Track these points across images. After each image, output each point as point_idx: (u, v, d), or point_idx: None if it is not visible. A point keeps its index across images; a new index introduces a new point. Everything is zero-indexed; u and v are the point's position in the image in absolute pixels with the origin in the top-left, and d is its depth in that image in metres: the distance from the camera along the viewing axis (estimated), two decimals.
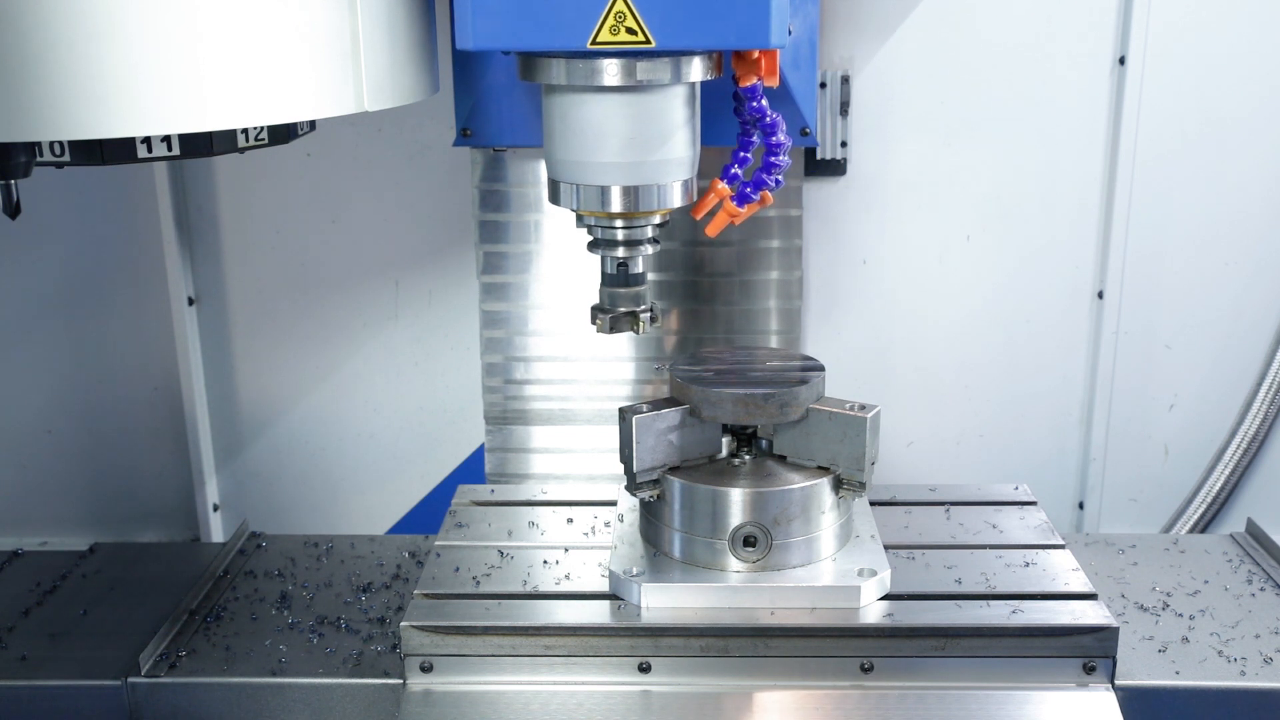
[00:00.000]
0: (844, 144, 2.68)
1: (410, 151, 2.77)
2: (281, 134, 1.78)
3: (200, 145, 1.67)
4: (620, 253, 2.02)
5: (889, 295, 2.81)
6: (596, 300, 2.09)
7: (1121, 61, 2.63)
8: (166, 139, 1.65)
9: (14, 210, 1.61)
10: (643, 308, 2.06)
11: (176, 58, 1.51)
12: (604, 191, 1.92)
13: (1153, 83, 2.64)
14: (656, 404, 1.99)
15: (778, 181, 2.04)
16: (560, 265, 2.56)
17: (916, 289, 2.81)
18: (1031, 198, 2.74)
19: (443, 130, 2.74)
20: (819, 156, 2.67)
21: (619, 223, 1.98)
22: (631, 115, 1.87)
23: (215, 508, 3.00)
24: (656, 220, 1.99)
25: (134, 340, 2.95)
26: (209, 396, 2.94)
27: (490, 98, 2.25)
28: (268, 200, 2.82)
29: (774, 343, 2.60)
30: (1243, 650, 1.99)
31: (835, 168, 2.70)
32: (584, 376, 2.63)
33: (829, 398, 2.01)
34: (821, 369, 2.05)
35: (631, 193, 1.92)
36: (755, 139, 2.04)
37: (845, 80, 2.63)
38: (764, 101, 1.96)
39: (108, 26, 1.45)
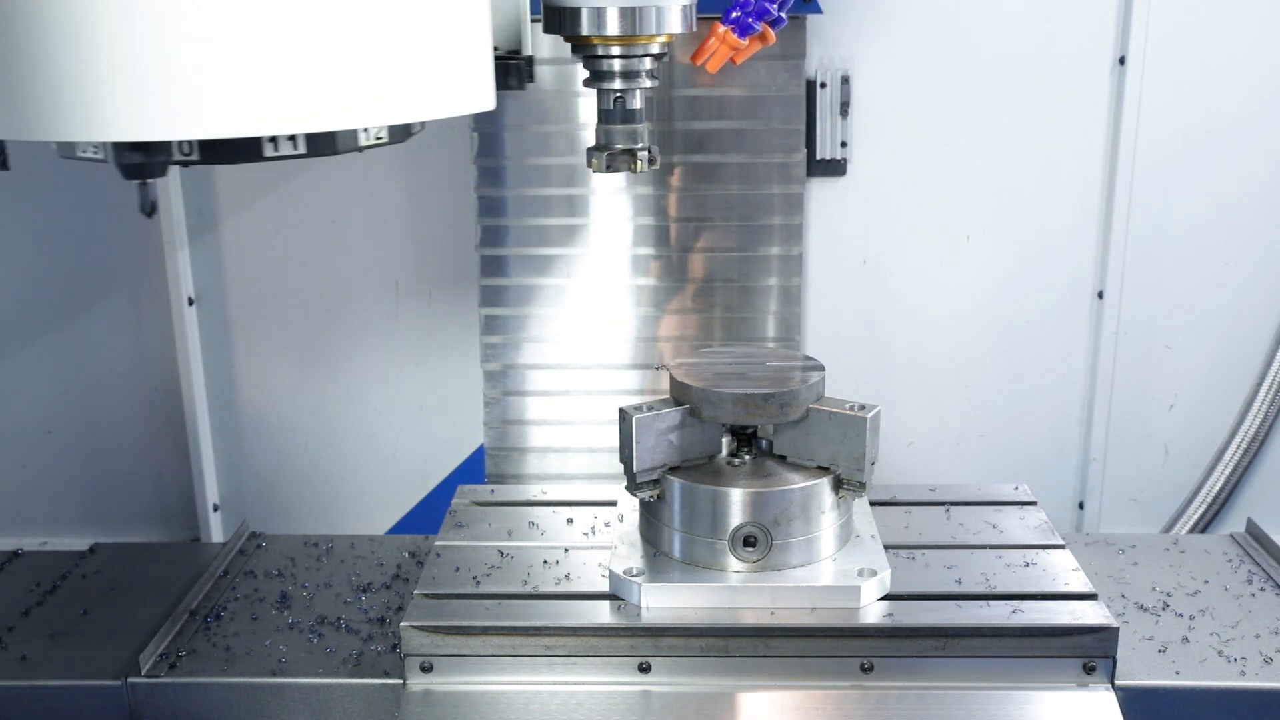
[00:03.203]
0: (844, 144, 2.68)
1: (410, 151, 2.77)
2: (400, 133, 1.78)
3: (324, 144, 1.67)
4: (617, 85, 2.00)
5: (889, 295, 2.81)
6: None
7: (1121, 61, 2.63)
8: (292, 137, 1.65)
9: (151, 209, 1.62)
10: (640, 146, 2.03)
11: (309, 55, 1.50)
12: (601, 13, 1.90)
13: (1153, 83, 2.64)
14: (656, 404, 1.99)
15: (780, 19, 2.03)
16: (560, 265, 2.57)
17: (916, 289, 2.80)
18: (1031, 198, 2.74)
19: (442, 130, 2.74)
20: (819, 156, 2.67)
21: (616, 50, 1.96)
22: None
23: (215, 508, 3.00)
24: (655, 50, 1.95)
25: (134, 340, 2.95)
26: (209, 396, 2.93)
27: None
28: (268, 200, 2.82)
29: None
30: (1243, 650, 1.99)
31: (835, 168, 2.70)
32: (585, 368, 2.64)
33: (829, 398, 2.01)
34: (821, 369, 2.05)
35: (629, 15, 1.90)
36: None
37: (845, 80, 2.63)
38: None
39: (236, 26, 1.45)
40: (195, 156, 1.62)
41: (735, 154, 2.53)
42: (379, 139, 1.72)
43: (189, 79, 1.45)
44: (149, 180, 1.58)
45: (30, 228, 2.87)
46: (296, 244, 2.84)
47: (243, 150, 1.62)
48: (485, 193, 2.56)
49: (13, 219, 2.87)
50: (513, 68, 1.97)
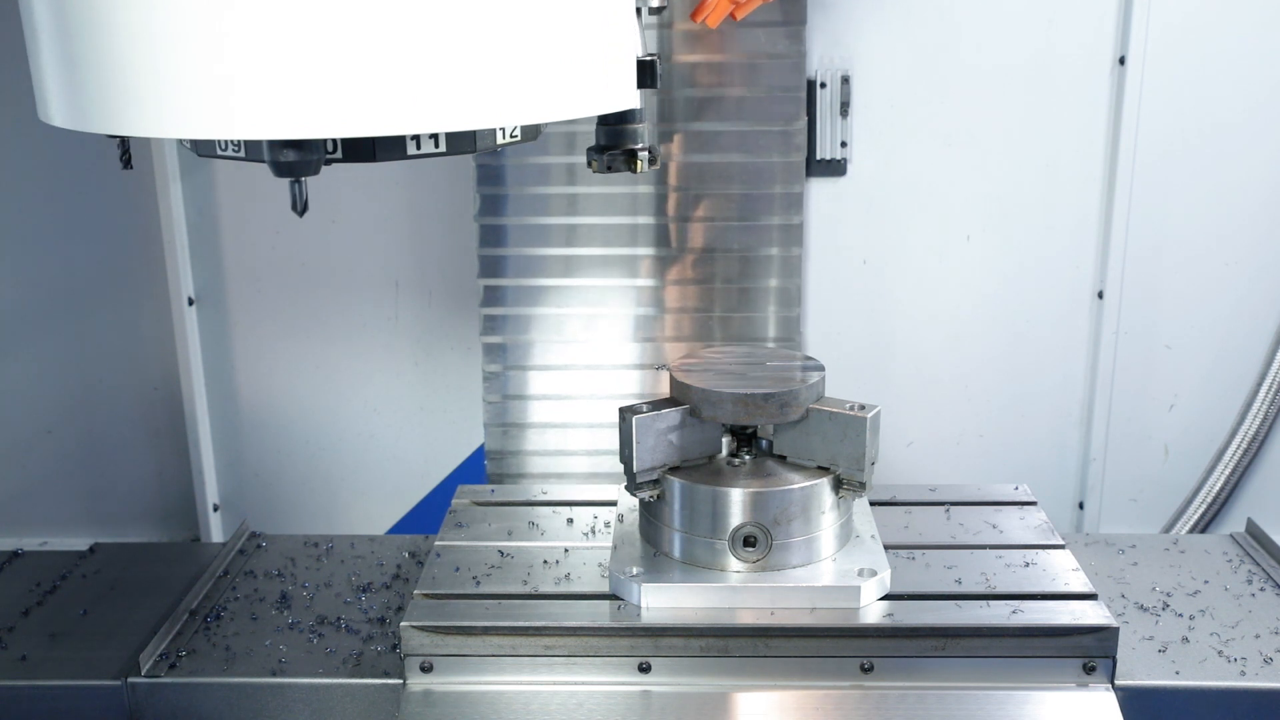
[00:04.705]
0: (844, 144, 2.68)
1: None
2: (531, 131, 1.76)
3: (464, 143, 1.66)
4: None
5: (889, 295, 2.81)
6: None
7: (1121, 61, 2.63)
8: (434, 136, 1.65)
9: (304, 208, 1.61)
10: (640, 146, 1.99)
11: (460, 55, 1.48)
12: None
13: (1153, 83, 2.64)
14: (656, 404, 1.99)
15: None
16: (561, 268, 2.57)
17: (916, 289, 2.80)
18: (1031, 198, 2.74)
19: None
20: (819, 156, 2.67)
21: None
22: None
23: (215, 508, 3.00)
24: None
25: (134, 340, 2.95)
26: (209, 396, 2.94)
27: None
28: (268, 200, 2.82)
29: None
30: (1243, 650, 1.99)
31: (835, 168, 2.70)
32: (585, 368, 2.64)
33: (829, 398, 2.01)
34: (821, 369, 2.05)
35: None
36: None
37: (845, 80, 2.64)
38: None
39: (394, 25, 1.43)
40: (339, 155, 1.61)
41: (735, 154, 2.53)
42: (513, 138, 1.71)
43: (346, 77, 1.42)
44: (301, 179, 1.56)
45: (30, 228, 2.87)
46: (296, 244, 2.85)
47: (386, 149, 1.61)
48: (485, 192, 2.56)
49: (13, 219, 2.87)
50: (649, 66, 1.92)
